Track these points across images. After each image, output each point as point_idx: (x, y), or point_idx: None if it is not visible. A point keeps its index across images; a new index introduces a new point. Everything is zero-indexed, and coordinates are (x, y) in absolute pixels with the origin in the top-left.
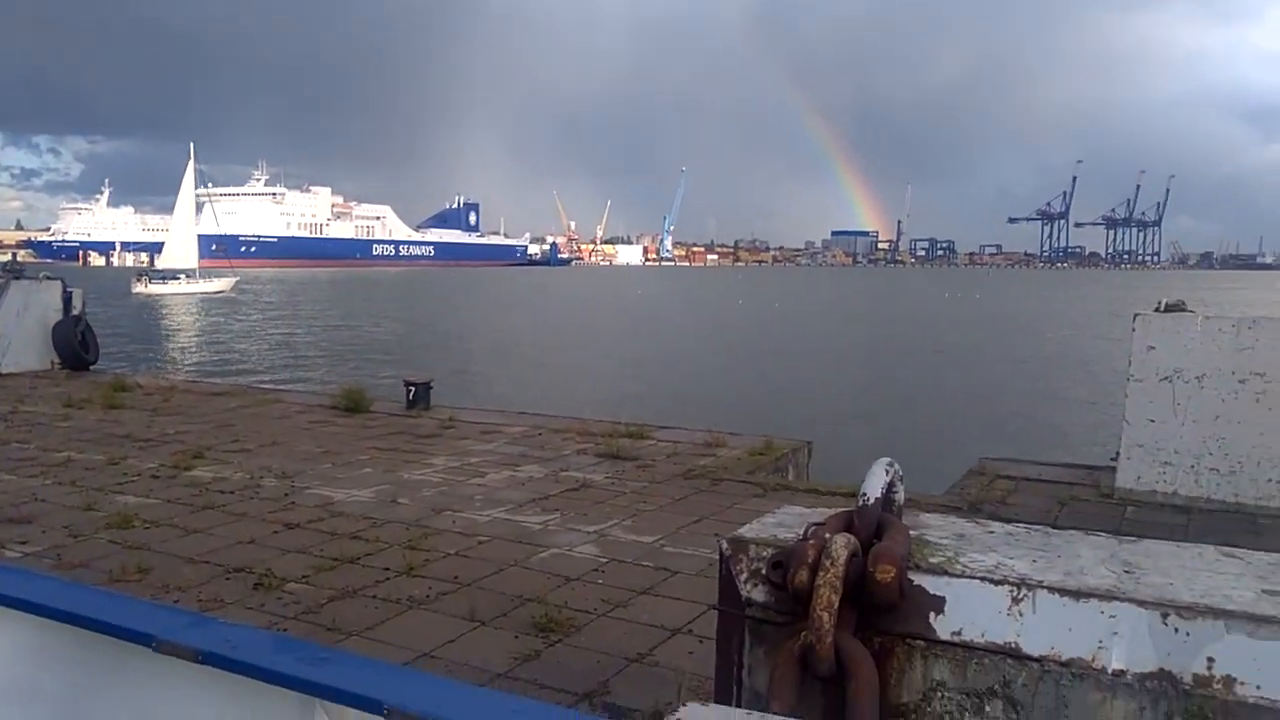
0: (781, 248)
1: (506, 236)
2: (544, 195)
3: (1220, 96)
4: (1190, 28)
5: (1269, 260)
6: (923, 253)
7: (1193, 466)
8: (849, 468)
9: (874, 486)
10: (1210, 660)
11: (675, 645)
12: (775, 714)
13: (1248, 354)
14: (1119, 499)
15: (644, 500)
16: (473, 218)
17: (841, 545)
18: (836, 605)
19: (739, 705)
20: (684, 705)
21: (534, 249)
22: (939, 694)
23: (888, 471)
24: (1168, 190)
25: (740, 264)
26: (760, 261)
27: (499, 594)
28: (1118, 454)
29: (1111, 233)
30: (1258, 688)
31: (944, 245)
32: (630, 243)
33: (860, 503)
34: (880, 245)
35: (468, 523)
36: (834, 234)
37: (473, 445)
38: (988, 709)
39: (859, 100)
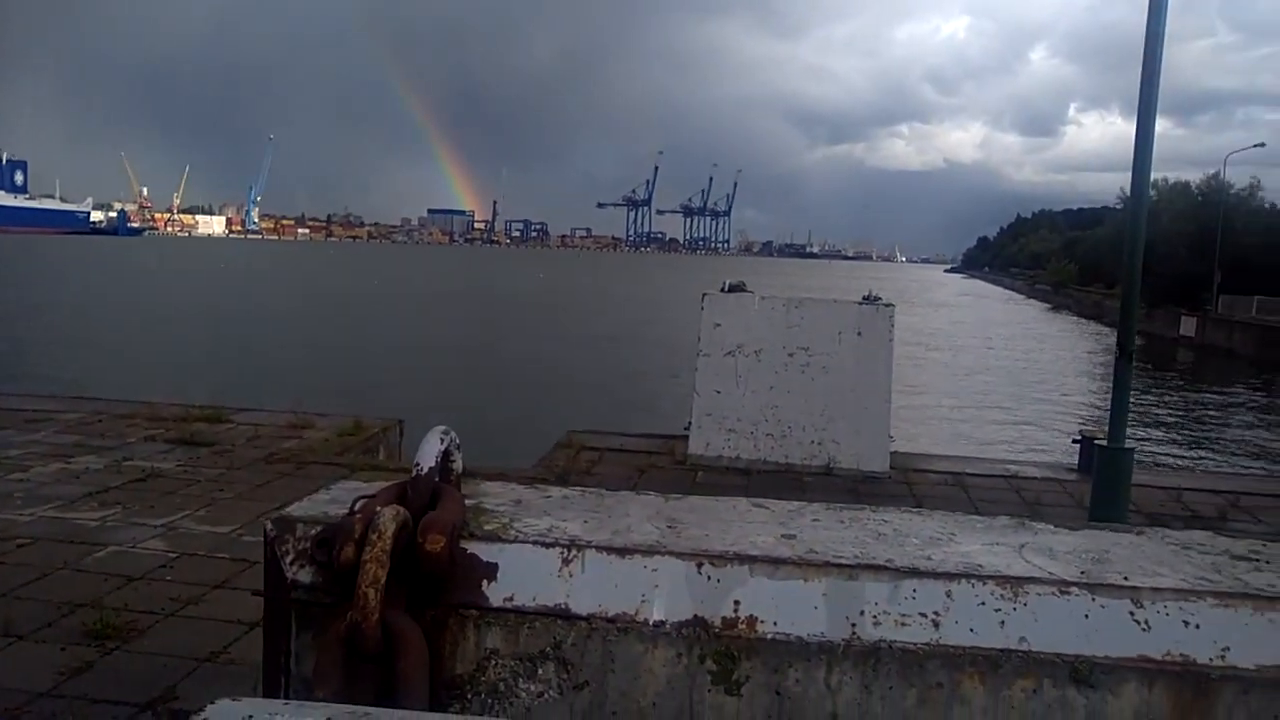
0: (377, 224)
1: (64, 201)
2: (111, 157)
3: (778, 101)
4: (753, 37)
5: (816, 250)
6: (518, 233)
7: (752, 432)
8: None
9: (428, 455)
10: (737, 603)
11: (254, 640)
12: (319, 699)
13: (795, 330)
14: (691, 464)
15: (221, 488)
16: (19, 177)
17: (389, 518)
18: (383, 580)
19: (287, 696)
20: (212, 702)
21: (98, 216)
22: (493, 662)
23: (443, 440)
24: (735, 183)
25: (333, 239)
26: (354, 238)
27: (43, 602)
28: (690, 423)
29: (689, 220)
30: (775, 624)
31: (538, 227)
32: (213, 213)
33: (414, 473)
34: (477, 225)
35: (4, 524)
36: (431, 212)
37: (14, 436)
38: (540, 672)
39: (457, 79)
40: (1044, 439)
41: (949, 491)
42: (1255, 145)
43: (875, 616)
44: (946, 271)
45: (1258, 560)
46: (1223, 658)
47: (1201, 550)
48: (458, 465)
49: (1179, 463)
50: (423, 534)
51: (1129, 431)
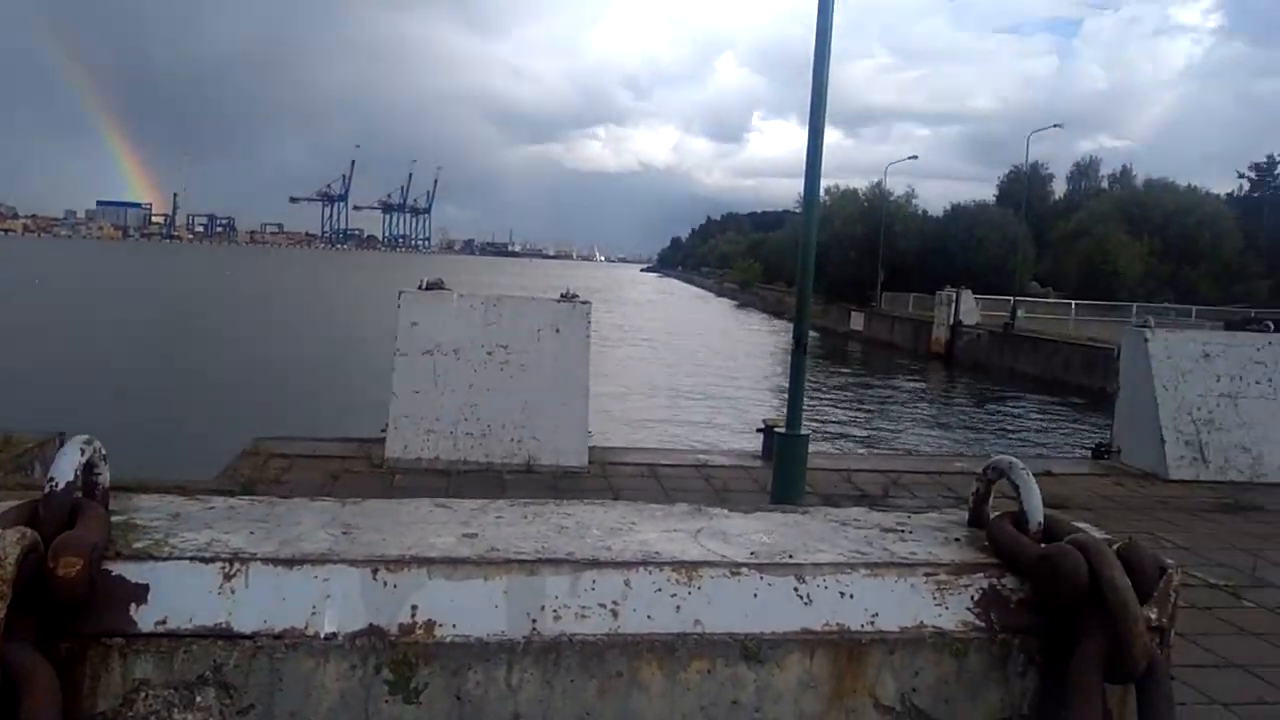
0: (35, 216)
1: None
2: None
3: (479, 99)
4: (454, 32)
5: (517, 249)
6: (201, 229)
7: (451, 432)
8: (113, 460)
9: (64, 469)
10: (414, 608)
11: None
12: None
13: (494, 328)
14: (389, 468)
15: None
16: None
17: (13, 541)
18: (3, 613)
19: None
20: None
21: None
22: (142, 694)
23: (83, 451)
24: (436, 180)
25: None
26: (8, 230)
27: None
28: (387, 425)
29: (388, 217)
30: (454, 626)
31: (224, 222)
32: None
33: (47, 489)
34: (155, 219)
35: None
36: (100, 204)
37: None
38: (199, 699)
39: (132, 62)
40: (734, 428)
41: (643, 483)
42: (909, 157)
43: (556, 611)
44: (643, 271)
45: (903, 531)
46: (872, 623)
47: (857, 525)
48: (104, 479)
49: (850, 446)
50: (54, 557)
51: (807, 419)
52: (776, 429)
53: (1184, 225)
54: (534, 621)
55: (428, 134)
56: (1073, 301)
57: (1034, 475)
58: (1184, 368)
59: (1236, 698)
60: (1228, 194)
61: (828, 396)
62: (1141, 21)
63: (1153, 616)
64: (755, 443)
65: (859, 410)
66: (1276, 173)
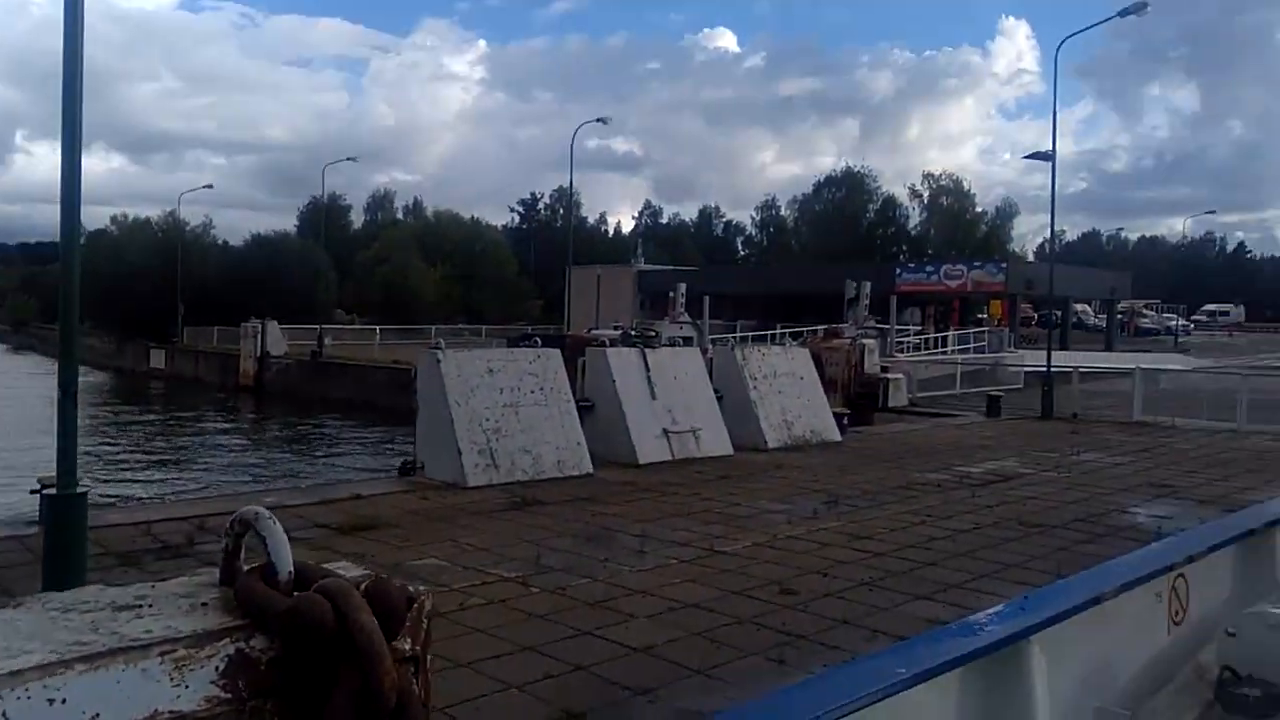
0: None
1: None
2: None
3: None
4: None
5: None
6: None
7: None
8: None
9: None
10: None
11: None
12: None
13: None
14: None
15: None
16: None
17: None
18: None
19: None
20: None
21: None
22: None
23: None
24: None
25: None
26: None
27: None
28: None
29: None
30: None
31: None
32: None
33: None
34: None
35: None
36: None
37: None
38: None
39: None
40: (8, 489)
41: None
42: (205, 186)
43: None
44: None
45: (140, 606)
46: None
47: (84, 609)
48: None
49: (152, 494)
50: None
51: (99, 472)
52: (46, 490)
53: (471, 252)
54: None
55: None
56: (377, 327)
57: (344, 499)
58: (473, 383)
59: (529, 677)
60: (503, 225)
61: (124, 443)
62: (420, 67)
63: (406, 648)
64: (33, 504)
65: (161, 454)
66: (539, 207)
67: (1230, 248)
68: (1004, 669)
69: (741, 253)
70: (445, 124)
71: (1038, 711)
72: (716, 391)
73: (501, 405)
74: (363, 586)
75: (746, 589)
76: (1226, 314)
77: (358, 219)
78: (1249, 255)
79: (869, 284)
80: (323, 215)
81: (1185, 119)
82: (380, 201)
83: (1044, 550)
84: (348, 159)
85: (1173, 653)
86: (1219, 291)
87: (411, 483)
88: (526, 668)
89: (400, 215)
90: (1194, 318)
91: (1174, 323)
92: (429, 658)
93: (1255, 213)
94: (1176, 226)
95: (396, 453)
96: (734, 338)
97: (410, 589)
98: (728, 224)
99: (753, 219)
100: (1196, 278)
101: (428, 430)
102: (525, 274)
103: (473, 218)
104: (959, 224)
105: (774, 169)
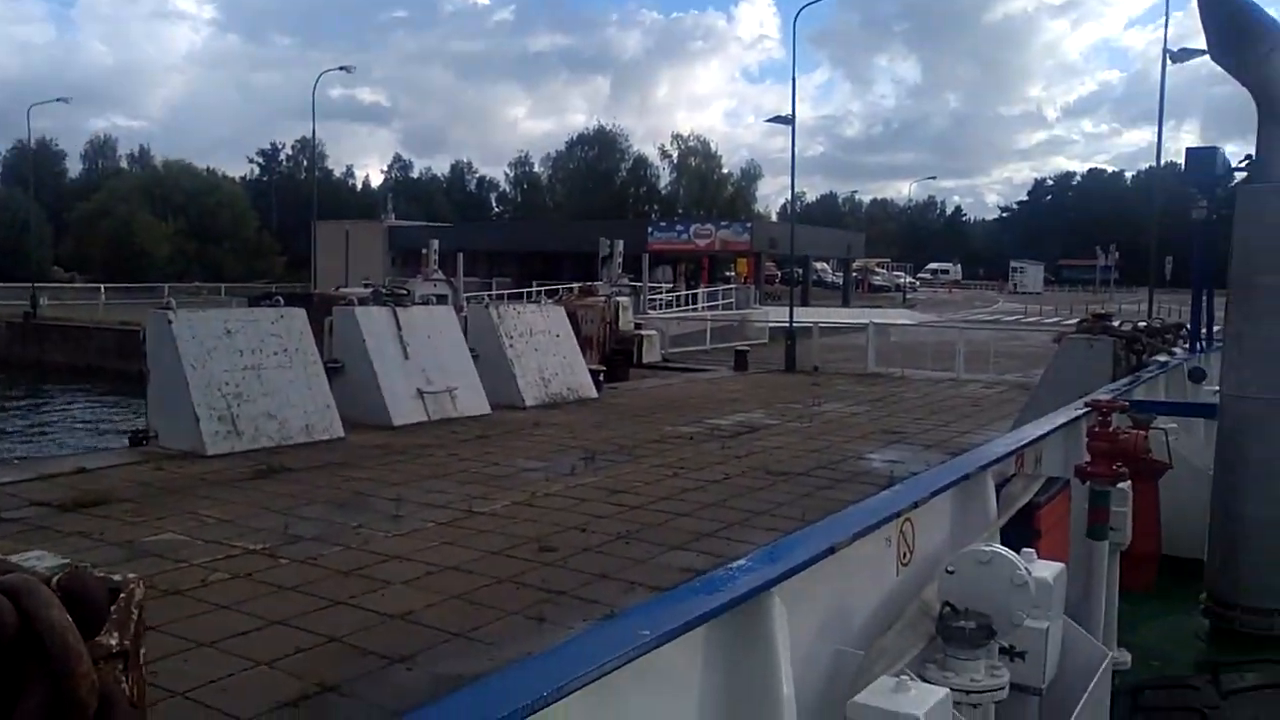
0: None
1: None
2: None
3: None
4: None
5: None
6: None
7: None
8: None
9: None
10: None
11: None
12: None
13: None
14: None
15: None
16: None
17: None
18: None
19: None
20: None
21: None
22: None
23: None
24: None
25: None
26: None
27: None
28: None
29: None
30: None
31: None
32: None
33: None
34: None
35: None
36: None
37: None
38: None
39: None
40: None
41: None
42: None
43: None
44: None
45: None
46: None
47: None
48: None
49: None
50: None
51: None
52: None
53: (205, 206)
54: None
55: None
56: (103, 285)
57: (67, 473)
58: (209, 345)
59: (279, 653)
60: (241, 177)
61: None
62: (140, 2)
63: (112, 643)
64: None
65: None
66: (280, 159)
67: (949, 211)
68: (748, 621)
69: (496, 209)
70: (173, 66)
71: (780, 659)
72: (472, 350)
73: (242, 368)
74: (55, 580)
75: (505, 549)
76: (946, 272)
77: (74, 167)
78: (964, 218)
79: (622, 242)
80: (30, 162)
81: (909, 89)
82: (100, 149)
83: (790, 497)
84: (58, 100)
85: (901, 592)
86: (940, 251)
87: (144, 453)
88: (276, 643)
89: (124, 164)
90: (919, 275)
91: (902, 280)
92: (142, 651)
93: (969, 178)
94: (904, 190)
95: (130, 421)
96: (489, 296)
97: (115, 578)
98: (481, 180)
99: (507, 175)
100: (921, 238)
101: (161, 396)
102: (267, 230)
103: (207, 169)
104: (707, 185)
105: (527, 125)
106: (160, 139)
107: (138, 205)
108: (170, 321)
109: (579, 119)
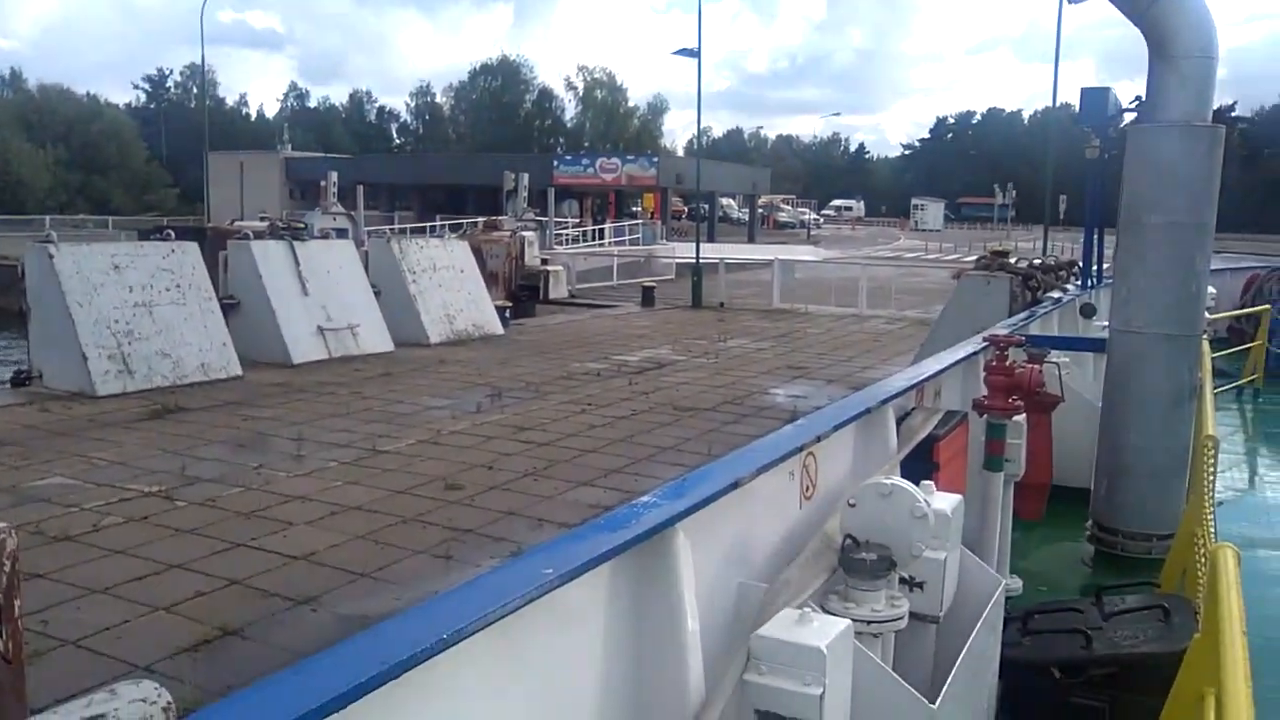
0: None
1: None
2: None
3: None
4: None
5: None
6: None
7: None
8: None
9: None
10: None
11: None
12: None
13: None
14: None
15: None
16: None
17: None
18: None
19: None
20: None
21: None
22: None
23: None
24: None
25: None
26: None
27: None
28: None
29: None
30: None
31: None
32: None
33: None
34: None
35: None
36: None
37: None
38: None
39: None
40: None
41: None
42: None
43: None
44: None
45: None
46: None
47: None
48: None
49: None
50: None
51: None
52: None
53: (88, 134)
54: None
55: None
56: None
57: None
58: (96, 281)
59: (178, 597)
60: (127, 104)
61: None
62: None
63: None
64: None
65: None
66: (168, 85)
67: (853, 148)
68: (652, 557)
69: (397, 141)
70: None
71: (684, 594)
72: (374, 286)
73: (133, 305)
74: None
75: (411, 487)
76: (850, 209)
77: None
78: (868, 155)
79: (527, 176)
80: None
81: (814, 25)
82: None
83: (696, 432)
84: None
85: (805, 526)
86: (844, 188)
87: (28, 394)
88: (175, 587)
89: None
90: (824, 212)
91: (807, 217)
92: (18, 603)
93: (872, 115)
94: (809, 126)
95: (8, 361)
96: (391, 230)
97: None
98: (381, 110)
99: (408, 105)
100: (826, 175)
101: (44, 334)
102: (157, 161)
103: (89, 94)
104: (613, 118)
105: (428, 54)
106: (34, 62)
107: (12, 131)
108: (52, 256)
109: (482, 49)
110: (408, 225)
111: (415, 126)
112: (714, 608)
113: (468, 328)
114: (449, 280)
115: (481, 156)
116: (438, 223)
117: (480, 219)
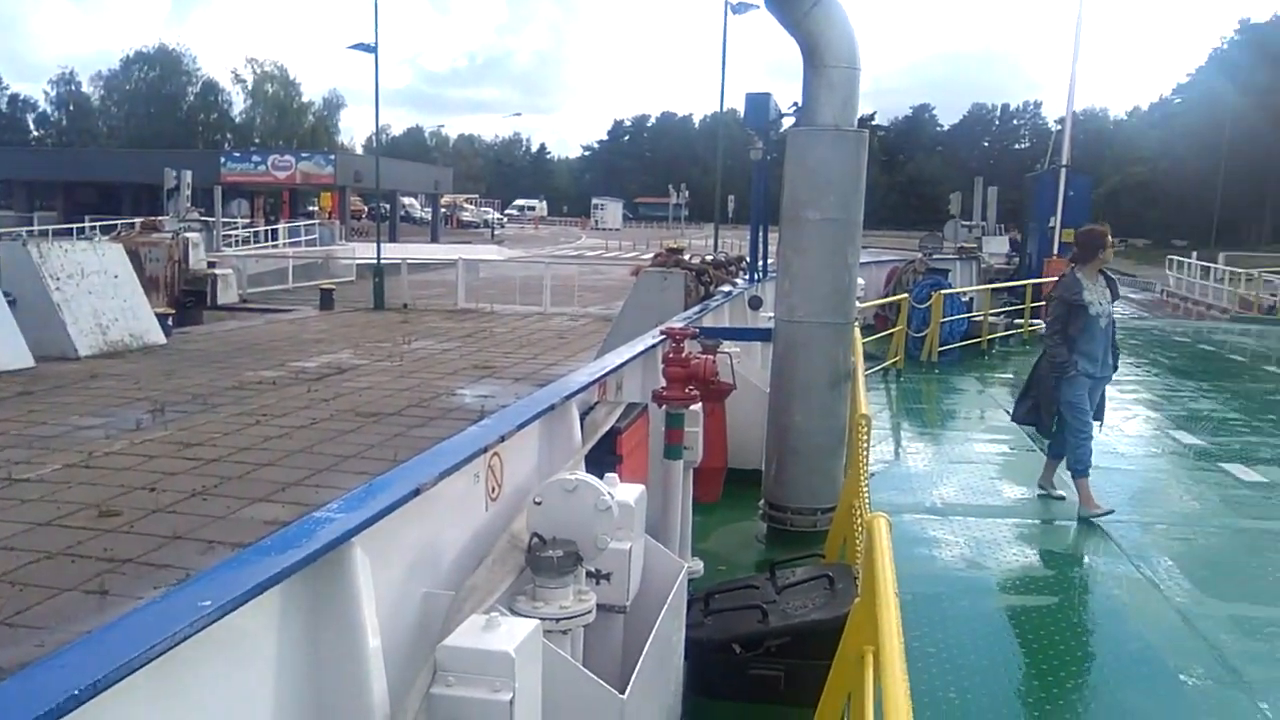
0: None
1: None
2: None
3: None
4: None
5: None
6: None
7: None
8: None
9: None
10: None
11: None
12: None
13: None
14: None
15: None
16: None
17: None
18: None
19: None
20: None
21: None
22: None
23: None
24: None
25: None
26: None
27: None
28: None
29: None
30: None
31: None
32: None
33: None
34: None
35: None
36: None
37: None
38: None
39: None
40: None
41: None
42: None
43: None
44: None
45: None
46: None
47: None
48: None
49: None
50: None
51: None
52: None
53: None
54: None
55: None
56: None
57: None
58: None
59: None
60: None
61: None
62: None
63: None
64: None
65: None
66: None
67: (535, 148)
68: (327, 575)
69: (35, 133)
70: None
71: (364, 611)
72: (7, 294)
73: None
74: None
75: (58, 518)
76: (533, 208)
77: None
78: (549, 156)
79: (191, 173)
80: None
81: (494, 26)
82: None
83: (381, 438)
84: None
85: (491, 528)
86: (527, 188)
87: None
88: None
89: None
90: (507, 211)
91: (490, 216)
92: None
93: (551, 116)
94: (490, 126)
95: None
96: (28, 233)
97: None
98: (15, 98)
99: (47, 94)
100: (509, 175)
101: None
102: None
103: None
104: (286, 114)
105: (71, 38)
106: None
107: None
108: None
109: (136, 35)
110: (51, 226)
111: (57, 118)
112: (399, 622)
113: (124, 338)
114: (100, 287)
115: (139, 152)
116: (88, 224)
117: (137, 220)
